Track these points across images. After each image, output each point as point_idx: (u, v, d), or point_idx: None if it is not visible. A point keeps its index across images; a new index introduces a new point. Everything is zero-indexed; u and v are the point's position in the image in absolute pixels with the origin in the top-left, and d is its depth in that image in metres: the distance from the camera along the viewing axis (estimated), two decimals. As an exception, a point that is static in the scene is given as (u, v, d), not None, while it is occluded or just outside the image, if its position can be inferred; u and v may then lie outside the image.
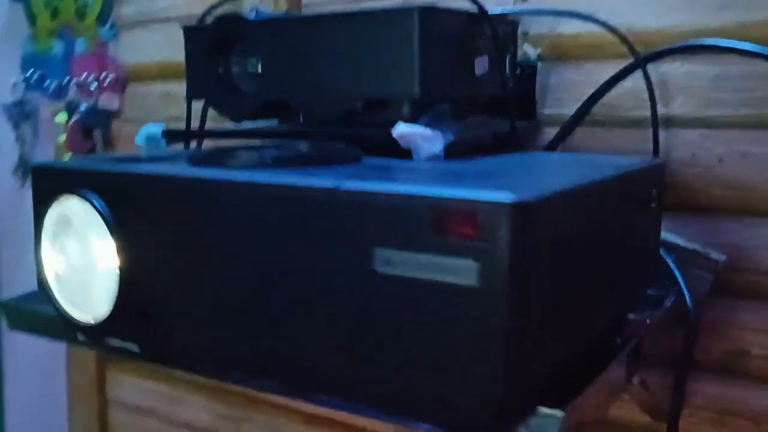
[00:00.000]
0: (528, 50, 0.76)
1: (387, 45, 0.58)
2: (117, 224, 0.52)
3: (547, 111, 0.76)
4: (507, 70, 0.70)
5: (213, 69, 0.68)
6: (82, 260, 0.54)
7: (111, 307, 0.53)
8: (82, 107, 1.12)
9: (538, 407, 0.41)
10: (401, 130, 0.57)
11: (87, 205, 0.53)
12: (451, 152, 0.57)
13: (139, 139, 0.68)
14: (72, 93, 1.15)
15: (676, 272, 0.67)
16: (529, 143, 0.76)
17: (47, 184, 0.56)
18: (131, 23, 1.12)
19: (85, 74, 1.13)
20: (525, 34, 0.76)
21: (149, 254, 0.51)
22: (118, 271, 0.52)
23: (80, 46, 1.15)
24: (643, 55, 0.70)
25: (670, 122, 0.70)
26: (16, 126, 1.23)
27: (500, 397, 0.38)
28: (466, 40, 0.62)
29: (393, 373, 0.41)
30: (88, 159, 0.85)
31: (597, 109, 0.73)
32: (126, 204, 0.52)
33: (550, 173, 0.56)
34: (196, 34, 0.70)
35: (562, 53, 0.75)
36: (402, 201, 0.40)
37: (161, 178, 0.51)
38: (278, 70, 0.65)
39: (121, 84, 1.12)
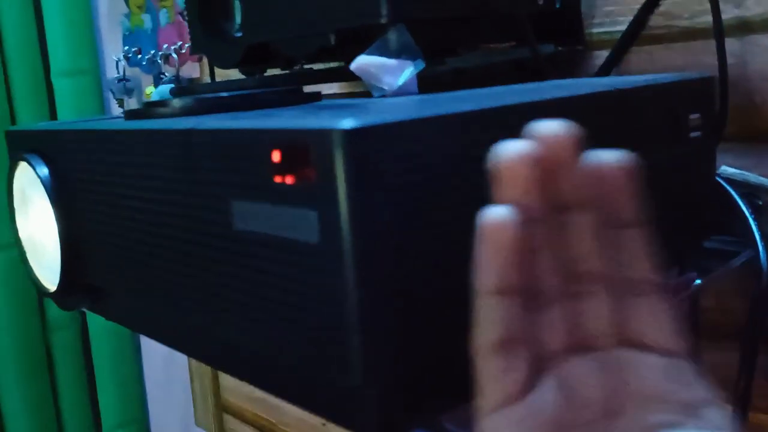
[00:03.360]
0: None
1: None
2: (56, 189, 0.49)
3: (595, 30, 0.62)
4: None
5: (205, 19, 0.64)
6: (37, 227, 0.52)
7: (59, 274, 0.50)
8: (167, 78, 1.14)
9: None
10: (359, 61, 0.48)
11: (32, 171, 0.50)
12: (429, 84, 0.48)
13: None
14: (160, 65, 1.17)
15: (750, 220, 0.52)
16: (576, 71, 0.63)
17: (13, 149, 0.54)
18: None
19: (166, 45, 1.14)
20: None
21: (85, 217, 0.48)
22: (58, 238, 0.49)
23: (163, 17, 1.16)
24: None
25: (746, 26, 0.54)
26: (120, 102, 1.27)
27: (366, 398, 0.30)
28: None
29: (255, 346, 0.34)
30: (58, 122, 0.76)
31: (654, 21, 0.58)
32: (63, 166, 0.49)
33: (496, 99, 0.37)
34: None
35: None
36: (241, 138, 0.32)
37: (86, 133, 0.47)
38: (256, 11, 0.58)
39: (200, 52, 1.11)
